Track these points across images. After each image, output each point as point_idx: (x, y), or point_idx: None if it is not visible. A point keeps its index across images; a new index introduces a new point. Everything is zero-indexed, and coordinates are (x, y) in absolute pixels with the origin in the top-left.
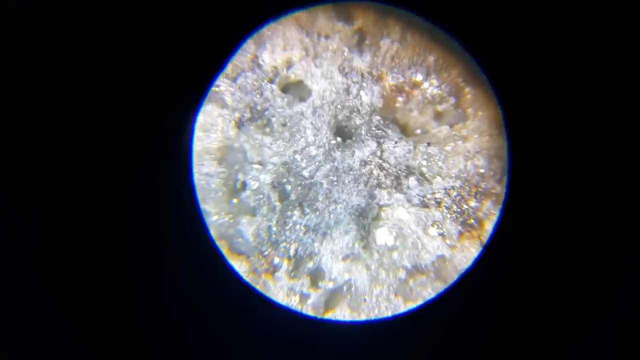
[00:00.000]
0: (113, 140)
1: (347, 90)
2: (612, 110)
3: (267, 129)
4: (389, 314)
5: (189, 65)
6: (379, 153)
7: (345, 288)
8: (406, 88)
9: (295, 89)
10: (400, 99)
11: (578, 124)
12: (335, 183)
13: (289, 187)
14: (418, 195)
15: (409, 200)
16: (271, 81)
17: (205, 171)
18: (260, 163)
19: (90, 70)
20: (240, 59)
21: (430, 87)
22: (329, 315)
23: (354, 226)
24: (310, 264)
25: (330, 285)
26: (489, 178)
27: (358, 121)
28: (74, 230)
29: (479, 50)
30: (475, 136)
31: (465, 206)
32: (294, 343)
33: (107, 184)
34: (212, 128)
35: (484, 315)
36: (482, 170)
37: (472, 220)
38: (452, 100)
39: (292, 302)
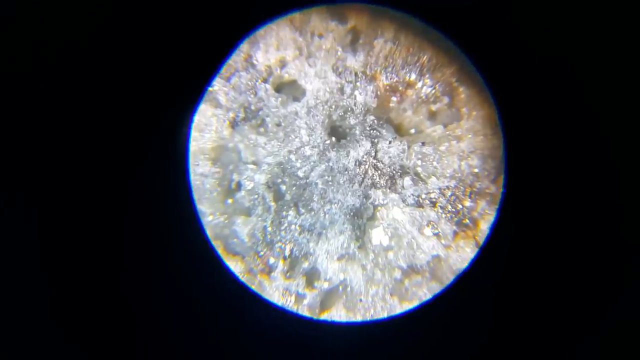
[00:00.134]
0: (110, 141)
1: (341, 90)
2: (608, 109)
3: (262, 129)
4: (385, 314)
5: (186, 66)
6: (373, 153)
7: (340, 288)
8: (400, 87)
9: (289, 89)
10: (394, 98)
11: (574, 123)
12: (330, 183)
13: (283, 187)
14: (413, 195)
15: (403, 200)
16: (265, 81)
17: (200, 171)
18: (254, 163)
19: (88, 71)
20: (234, 58)
21: (424, 87)
22: (324, 316)
23: (349, 226)
24: (306, 264)
25: (326, 285)
26: (483, 178)
27: (352, 121)
28: (70, 231)
29: (473, 50)
30: (470, 136)
31: (460, 206)
32: (289, 343)
33: (103, 184)
34: (206, 128)
35: (480, 316)
36: (476, 170)
37: (467, 220)
38: (446, 99)
39: (288, 303)
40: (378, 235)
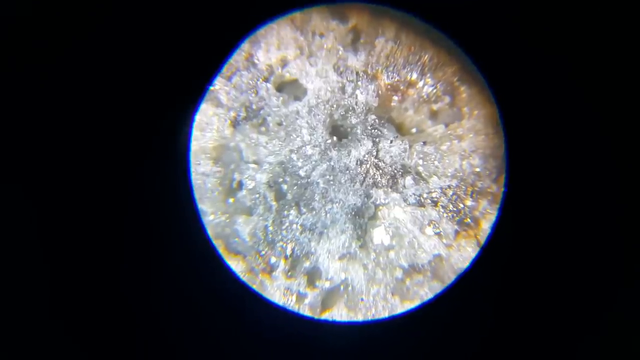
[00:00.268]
0: (110, 140)
1: (343, 89)
2: (608, 109)
3: (263, 128)
4: (386, 313)
5: (187, 65)
6: (374, 152)
7: (342, 287)
8: (401, 87)
9: (290, 88)
10: (395, 97)
11: (574, 122)
12: (332, 182)
13: (285, 187)
14: (414, 194)
15: (405, 200)
16: (266, 80)
17: (202, 170)
18: (256, 162)
19: (88, 71)
20: (235, 57)
21: (426, 86)
22: (326, 315)
23: (351, 225)
24: (307, 264)
25: (327, 284)
26: (484, 177)
27: (354, 120)
28: (71, 231)
29: (474, 49)
30: (471, 135)
31: (462, 205)
32: (290, 343)
33: (103, 184)
34: (207, 127)
35: (482, 315)
36: (478, 169)
37: (469, 220)
38: (447, 99)
39: (289, 302)
40: (379, 235)
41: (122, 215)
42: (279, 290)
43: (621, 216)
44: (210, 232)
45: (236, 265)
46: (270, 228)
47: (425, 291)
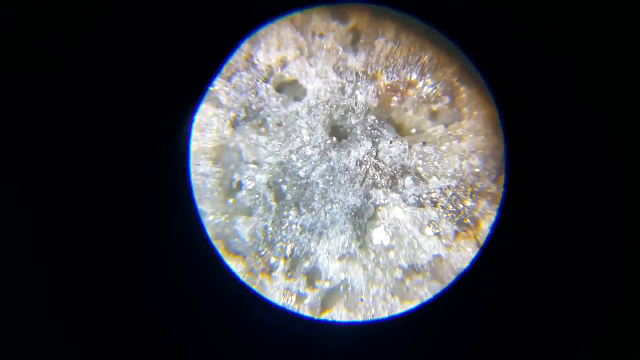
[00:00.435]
0: (110, 140)
1: (342, 90)
2: (608, 109)
3: (263, 129)
4: (386, 313)
5: (186, 65)
6: (374, 153)
7: (341, 288)
8: (401, 87)
9: (290, 88)
10: (395, 98)
11: (574, 122)
12: (331, 183)
13: (284, 187)
14: (414, 194)
15: (404, 200)
16: (266, 80)
17: (201, 171)
18: (255, 163)
19: (88, 71)
20: (235, 58)
21: (425, 87)
22: (325, 315)
23: (350, 226)
24: (307, 264)
25: (327, 285)
26: (484, 177)
27: (353, 121)
28: (71, 231)
29: (474, 49)
30: (471, 135)
31: (461, 206)
32: (290, 343)
33: (104, 184)
34: (207, 127)
35: (481, 316)
36: (477, 170)
37: (468, 220)
38: (447, 99)
39: (289, 302)
40: (379, 235)
41: (122, 216)
42: (278, 290)
43: (621, 216)
44: (209, 232)
45: (236, 266)
46: (270, 228)
47: (424, 291)
